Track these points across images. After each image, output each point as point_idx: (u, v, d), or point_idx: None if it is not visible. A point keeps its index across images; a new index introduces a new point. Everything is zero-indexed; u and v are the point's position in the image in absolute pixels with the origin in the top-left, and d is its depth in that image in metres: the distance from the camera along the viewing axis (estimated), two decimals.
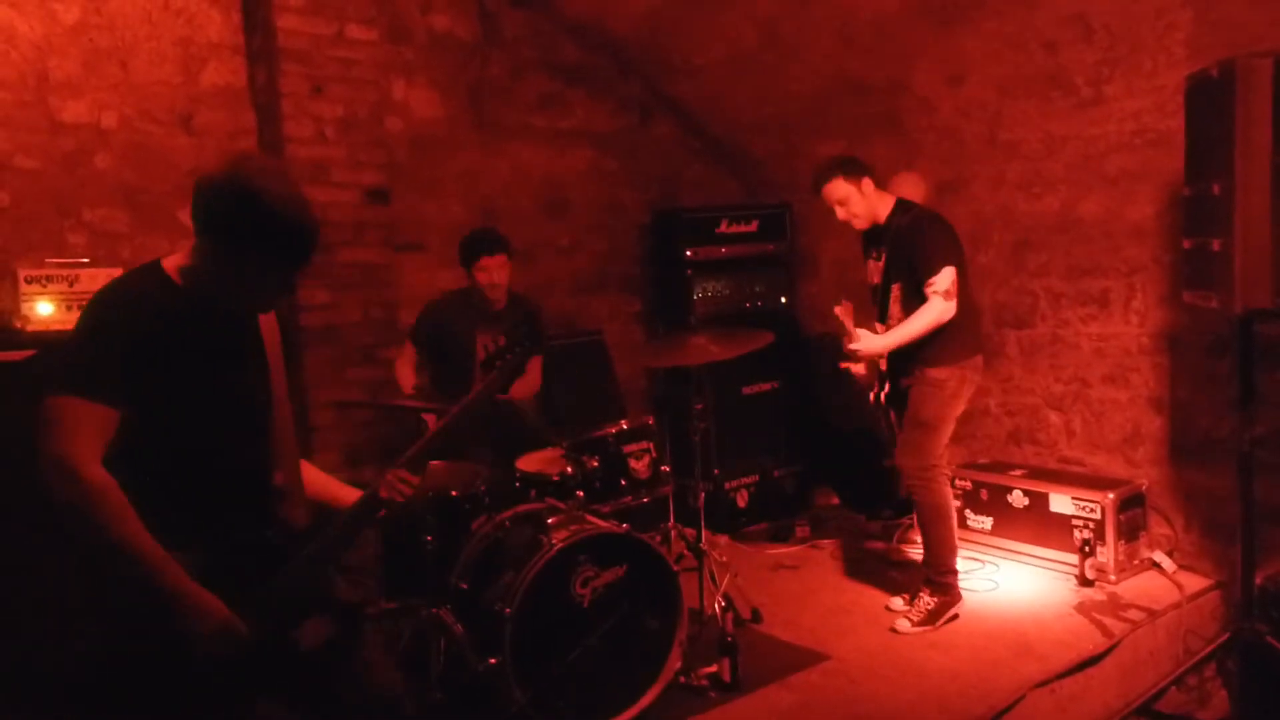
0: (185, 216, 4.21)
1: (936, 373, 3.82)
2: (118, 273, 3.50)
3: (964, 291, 3.79)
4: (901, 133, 5.08)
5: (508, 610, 2.94)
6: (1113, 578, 4.12)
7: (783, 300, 5.71)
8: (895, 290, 3.89)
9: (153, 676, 1.88)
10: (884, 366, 4.03)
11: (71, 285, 3.47)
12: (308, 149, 4.28)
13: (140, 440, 1.87)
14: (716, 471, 5.22)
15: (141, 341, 1.88)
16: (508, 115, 5.25)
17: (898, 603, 4.04)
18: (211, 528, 1.96)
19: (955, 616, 3.89)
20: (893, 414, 4.14)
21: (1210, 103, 3.10)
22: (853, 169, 3.88)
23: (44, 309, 3.42)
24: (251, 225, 1.89)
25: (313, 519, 2.17)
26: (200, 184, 1.93)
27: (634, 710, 3.15)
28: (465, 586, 3.22)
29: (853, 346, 3.87)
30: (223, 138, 4.33)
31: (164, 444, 1.92)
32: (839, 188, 3.88)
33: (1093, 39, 4.18)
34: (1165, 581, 4.12)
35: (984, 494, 4.59)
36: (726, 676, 3.37)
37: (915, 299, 3.78)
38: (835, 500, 5.65)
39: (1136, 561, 4.23)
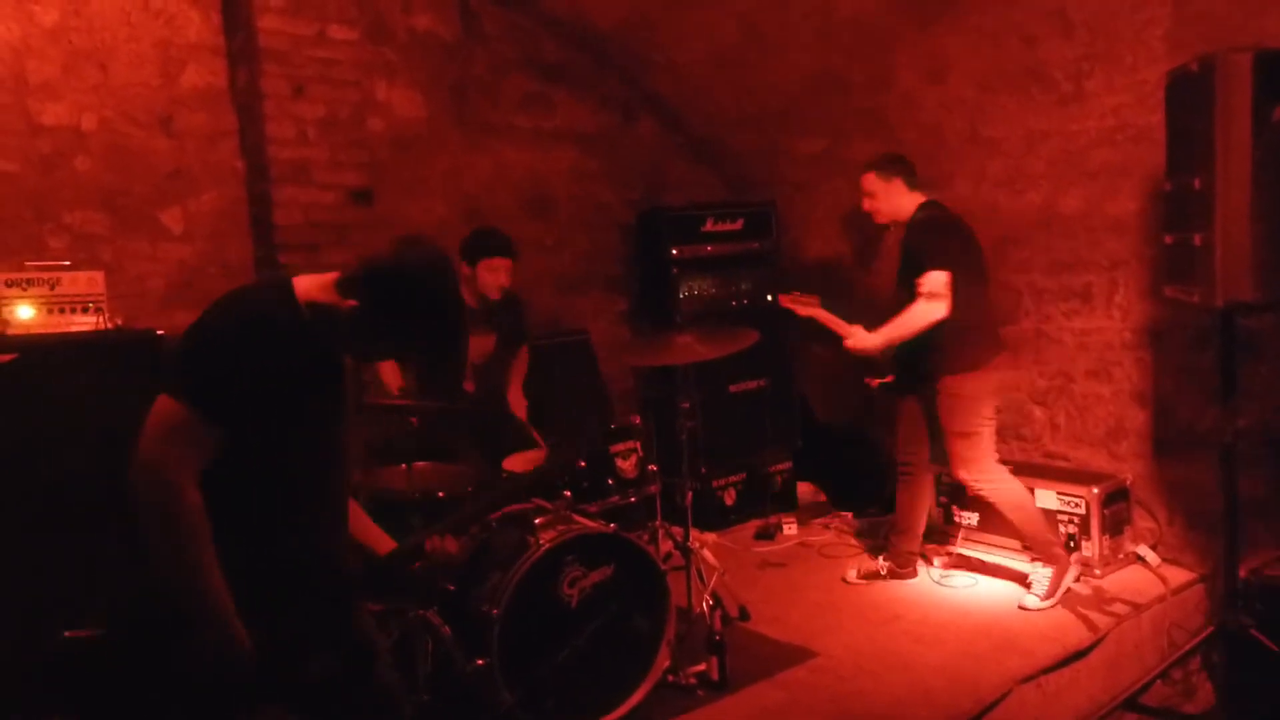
0: (167, 219, 4.27)
1: (954, 383, 3.85)
2: (99, 276, 3.54)
3: (974, 295, 3.84)
4: (883, 129, 5.08)
5: (495, 611, 2.93)
6: (1097, 572, 4.14)
7: (768, 298, 5.70)
8: (903, 291, 3.92)
9: (155, 675, 1.91)
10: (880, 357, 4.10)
11: (53, 289, 3.43)
12: (290, 150, 4.25)
13: (227, 459, 1.86)
14: (704, 470, 5.21)
15: (262, 368, 1.87)
16: (490, 115, 5.23)
17: (852, 574, 4.06)
18: (280, 561, 1.97)
19: (1077, 578, 3.99)
20: (896, 404, 4.20)
21: (1190, 97, 3.12)
22: (887, 168, 4.06)
23: (25, 313, 3.38)
24: (421, 319, 1.95)
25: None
26: (382, 262, 1.95)
27: (622, 710, 3.15)
28: (452, 588, 3.21)
29: (849, 344, 3.98)
30: (203, 140, 4.30)
31: (249, 468, 1.91)
32: (868, 181, 4.08)
33: (1072, 34, 4.20)
34: (1149, 575, 4.14)
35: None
36: (715, 675, 3.37)
37: (911, 299, 3.83)
38: (823, 497, 5.66)
39: (1121, 555, 4.25)
